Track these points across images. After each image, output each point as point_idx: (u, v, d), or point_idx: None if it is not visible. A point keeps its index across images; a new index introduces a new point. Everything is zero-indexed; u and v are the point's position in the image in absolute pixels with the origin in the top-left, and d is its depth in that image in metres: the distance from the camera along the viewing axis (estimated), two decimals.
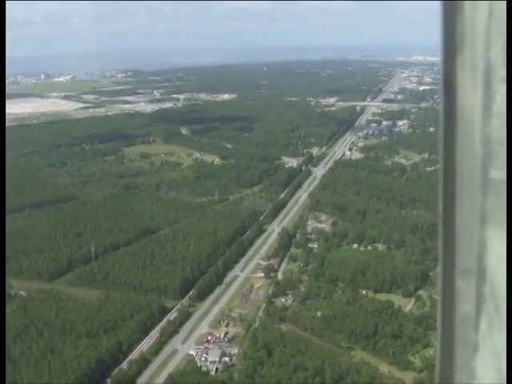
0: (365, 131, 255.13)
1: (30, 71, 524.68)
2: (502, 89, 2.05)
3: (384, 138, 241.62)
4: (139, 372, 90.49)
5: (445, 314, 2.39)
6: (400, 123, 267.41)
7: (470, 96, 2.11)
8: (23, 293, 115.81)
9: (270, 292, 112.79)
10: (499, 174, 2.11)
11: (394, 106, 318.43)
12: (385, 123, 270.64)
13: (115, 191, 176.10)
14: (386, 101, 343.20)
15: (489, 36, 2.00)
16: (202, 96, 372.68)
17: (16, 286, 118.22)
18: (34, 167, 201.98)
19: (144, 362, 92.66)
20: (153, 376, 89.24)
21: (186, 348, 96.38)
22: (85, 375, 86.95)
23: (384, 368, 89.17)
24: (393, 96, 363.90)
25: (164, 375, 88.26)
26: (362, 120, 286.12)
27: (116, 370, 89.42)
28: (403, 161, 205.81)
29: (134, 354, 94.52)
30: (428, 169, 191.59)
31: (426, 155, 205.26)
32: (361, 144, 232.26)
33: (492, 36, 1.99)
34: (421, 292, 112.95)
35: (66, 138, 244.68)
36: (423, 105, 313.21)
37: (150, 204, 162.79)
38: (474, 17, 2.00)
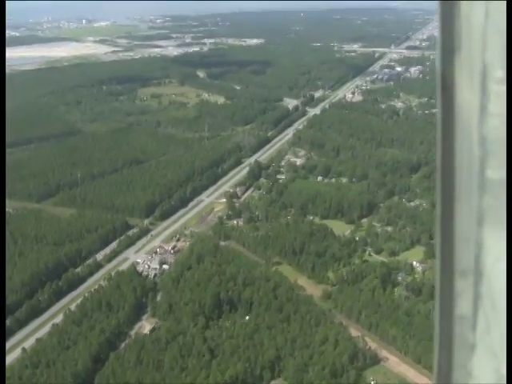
0: (374, 76, 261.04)
1: (73, 16, 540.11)
2: (499, 89, 2.07)
3: (391, 82, 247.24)
4: (90, 273, 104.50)
5: (442, 314, 2.40)
6: (412, 69, 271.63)
7: (467, 96, 2.13)
8: (10, 210, 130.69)
9: (226, 215, 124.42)
10: (496, 173, 2.14)
11: (415, 53, 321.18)
12: (398, 69, 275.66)
13: (118, 127, 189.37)
14: (409, 48, 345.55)
15: (485, 37, 2.02)
16: (231, 41, 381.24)
17: (7, 205, 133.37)
18: (50, 105, 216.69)
19: (96, 266, 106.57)
20: (100, 277, 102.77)
21: (135, 257, 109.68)
22: (41, 273, 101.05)
23: (302, 281, 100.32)
24: (418, 43, 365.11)
25: (107, 275, 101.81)
26: (377, 66, 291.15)
27: (69, 271, 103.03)
28: (400, 104, 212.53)
29: (89, 260, 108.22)
30: (419, 112, 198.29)
31: (425, 100, 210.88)
32: (365, 88, 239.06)
33: (489, 37, 2.01)
34: (363, 220, 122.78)
35: (87, 79, 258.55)
36: None
37: (145, 139, 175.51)
38: (470, 17, 2.02)
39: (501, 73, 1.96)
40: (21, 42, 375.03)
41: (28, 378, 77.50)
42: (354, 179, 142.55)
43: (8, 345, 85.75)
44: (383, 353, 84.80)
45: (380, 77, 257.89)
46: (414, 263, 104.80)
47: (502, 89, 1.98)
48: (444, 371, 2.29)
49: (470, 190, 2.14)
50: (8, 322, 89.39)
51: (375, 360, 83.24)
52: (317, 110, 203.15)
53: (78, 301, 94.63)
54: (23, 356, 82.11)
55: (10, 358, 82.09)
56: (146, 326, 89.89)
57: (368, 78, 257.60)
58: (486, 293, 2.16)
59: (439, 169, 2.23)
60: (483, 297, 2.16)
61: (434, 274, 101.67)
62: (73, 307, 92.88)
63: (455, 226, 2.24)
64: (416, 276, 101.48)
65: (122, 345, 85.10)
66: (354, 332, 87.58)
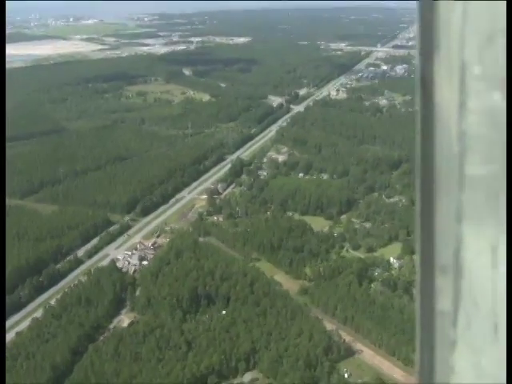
0: (359, 74, 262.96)
1: (60, 14, 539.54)
2: (477, 86, 1.89)
3: (376, 80, 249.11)
4: (70, 269, 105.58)
5: (423, 310, 2.22)
6: (398, 67, 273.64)
7: (446, 93, 1.96)
8: None
9: (206, 211, 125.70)
10: (475, 169, 1.98)
11: (401, 52, 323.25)
12: (383, 67, 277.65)
13: (103, 124, 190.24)
14: (395, 46, 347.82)
15: (463, 35, 1.84)
16: (218, 39, 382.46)
17: None
18: (36, 103, 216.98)
19: (76, 262, 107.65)
20: (80, 273, 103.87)
21: (115, 253, 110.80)
22: (22, 269, 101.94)
23: (279, 277, 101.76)
24: (405, 42, 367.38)
25: (87, 271, 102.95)
26: (363, 64, 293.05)
27: (50, 267, 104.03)
28: (384, 102, 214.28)
29: (69, 256, 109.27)
30: (403, 110, 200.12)
31: (409, 97, 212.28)
32: (350, 86, 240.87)
33: (466, 35, 1.82)
34: (343, 216, 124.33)
35: (74, 77, 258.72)
36: None
37: (129, 136, 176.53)
38: (448, 16, 1.86)
39: (478, 70, 1.96)
40: (7, 39, 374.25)
41: (8, 369, 78.52)
42: (334, 176, 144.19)
43: None
44: (358, 345, 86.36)
45: (365, 75, 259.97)
46: (391, 259, 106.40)
47: (480, 85, 1.97)
48: (426, 367, 2.27)
49: (449, 186, 2.11)
50: None
51: (350, 352, 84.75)
52: (301, 108, 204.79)
53: (58, 296, 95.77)
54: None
55: None
56: (124, 320, 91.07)
57: (353, 77, 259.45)
58: (466, 288, 2.15)
59: (418, 165, 2.23)
60: (463, 292, 2.14)
61: (415, 270, 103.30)
62: (53, 302, 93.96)
63: (435, 222, 2.21)
64: (392, 272, 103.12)
65: (101, 338, 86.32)
66: (330, 326, 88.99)
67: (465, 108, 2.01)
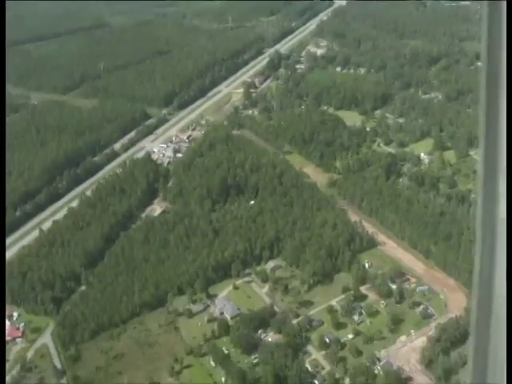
0: None
1: None
2: None
3: None
4: (107, 161, 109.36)
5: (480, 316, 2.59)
6: None
7: None
8: (36, 102, 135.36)
9: (242, 105, 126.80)
10: None
11: None
12: None
13: (145, 20, 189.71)
14: None
15: None
16: None
17: (32, 97, 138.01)
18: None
19: (113, 155, 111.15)
20: (116, 165, 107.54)
21: (151, 146, 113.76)
22: (61, 162, 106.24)
23: (309, 169, 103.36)
24: None
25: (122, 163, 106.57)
26: None
27: (87, 160, 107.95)
28: None
29: (107, 149, 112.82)
30: (447, 4, 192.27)
31: None
32: None
33: None
34: (377, 111, 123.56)
35: None
36: None
37: (170, 30, 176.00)
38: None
39: None
40: None
41: (44, 255, 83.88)
42: (372, 70, 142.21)
43: (27, 227, 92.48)
44: (381, 237, 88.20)
45: None
46: (422, 155, 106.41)
47: None
48: (479, 368, 2.40)
49: None
50: (28, 206, 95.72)
51: (372, 244, 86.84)
52: (343, 1, 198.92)
53: (94, 187, 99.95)
54: (40, 236, 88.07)
55: (28, 239, 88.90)
56: (156, 209, 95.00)
57: None
58: None
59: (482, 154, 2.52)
60: None
61: (443, 165, 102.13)
62: (88, 193, 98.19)
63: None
64: (422, 167, 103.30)
65: (133, 226, 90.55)
66: (354, 217, 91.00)
67: None
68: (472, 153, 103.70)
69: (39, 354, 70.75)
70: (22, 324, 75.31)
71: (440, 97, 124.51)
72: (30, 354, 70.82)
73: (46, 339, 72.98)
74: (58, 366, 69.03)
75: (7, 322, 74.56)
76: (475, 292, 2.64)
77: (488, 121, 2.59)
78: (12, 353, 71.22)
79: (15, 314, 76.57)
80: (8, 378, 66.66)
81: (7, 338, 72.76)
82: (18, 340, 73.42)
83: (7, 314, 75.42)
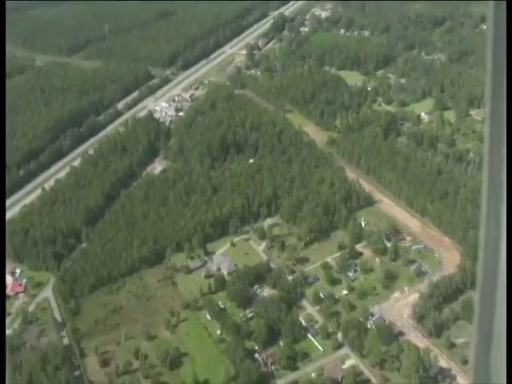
0: None
1: None
2: None
3: None
4: (110, 121, 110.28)
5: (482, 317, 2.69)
6: None
7: None
8: (41, 64, 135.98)
9: (245, 65, 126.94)
10: None
11: None
12: None
13: None
14: None
15: None
16: None
17: (38, 60, 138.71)
18: None
19: (116, 114, 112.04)
20: (118, 124, 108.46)
21: (154, 105, 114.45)
22: (64, 121, 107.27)
23: (309, 128, 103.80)
24: None
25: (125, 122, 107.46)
26: None
27: (90, 119, 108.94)
28: None
29: (110, 109, 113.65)
30: None
31: None
32: None
33: None
34: (379, 72, 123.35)
35: None
36: None
37: None
38: None
39: None
40: None
41: (46, 213, 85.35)
42: (375, 32, 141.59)
43: (30, 186, 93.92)
44: (378, 195, 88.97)
45: None
46: (422, 114, 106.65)
47: None
48: (481, 368, 2.44)
49: None
50: (31, 165, 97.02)
51: (369, 201, 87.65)
52: None
53: (96, 145, 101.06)
54: (43, 194, 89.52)
55: (31, 197, 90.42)
56: (157, 167, 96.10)
57: None
58: None
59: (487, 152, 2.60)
60: None
61: (442, 125, 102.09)
62: (91, 151, 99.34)
63: None
64: (421, 127, 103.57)
65: (133, 184, 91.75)
66: (352, 175, 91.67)
67: None
68: (472, 112, 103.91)
69: (40, 308, 72.70)
70: (24, 280, 77.03)
71: (443, 58, 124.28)
72: (31, 308, 72.62)
73: (47, 293, 74.89)
74: (59, 318, 70.94)
75: (10, 278, 76.53)
76: (477, 292, 2.85)
77: (492, 120, 2.73)
78: (14, 307, 73.10)
79: (18, 271, 78.21)
80: (10, 331, 68.65)
81: (10, 293, 74.77)
82: (20, 295, 75.23)
83: (10, 270, 77.39)
